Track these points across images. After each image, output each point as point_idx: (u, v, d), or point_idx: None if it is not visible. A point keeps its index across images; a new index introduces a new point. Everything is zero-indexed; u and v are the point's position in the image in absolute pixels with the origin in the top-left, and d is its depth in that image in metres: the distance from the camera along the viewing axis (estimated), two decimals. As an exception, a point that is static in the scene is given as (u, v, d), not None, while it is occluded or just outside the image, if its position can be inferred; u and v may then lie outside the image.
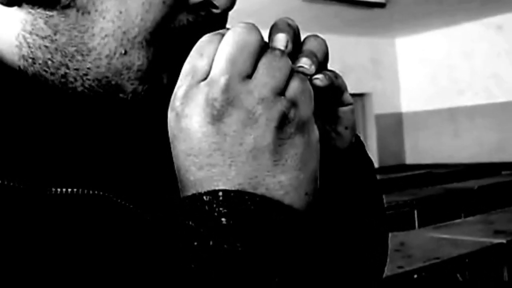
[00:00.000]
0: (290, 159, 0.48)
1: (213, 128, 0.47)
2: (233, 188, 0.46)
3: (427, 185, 6.84)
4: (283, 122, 0.47)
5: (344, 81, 0.59)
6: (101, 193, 0.53)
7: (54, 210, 0.49)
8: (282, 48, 0.52)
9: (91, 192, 0.52)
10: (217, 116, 0.47)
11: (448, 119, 10.01)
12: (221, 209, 0.46)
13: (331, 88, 0.55)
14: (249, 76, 0.48)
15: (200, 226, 0.46)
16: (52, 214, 0.49)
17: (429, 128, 10.35)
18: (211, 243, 0.45)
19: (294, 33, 0.54)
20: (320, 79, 0.54)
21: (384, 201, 0.73)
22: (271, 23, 0.55)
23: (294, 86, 0.49)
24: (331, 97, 0.58)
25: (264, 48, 0.50)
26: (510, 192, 6.08)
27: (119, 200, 0.54)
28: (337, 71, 0.58)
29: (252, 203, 0.46)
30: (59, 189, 0.51)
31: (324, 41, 0.57)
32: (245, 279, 0.44)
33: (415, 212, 5.47)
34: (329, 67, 0.58)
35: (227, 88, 0.47)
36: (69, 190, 0.51)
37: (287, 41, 0.53)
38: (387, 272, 2.37)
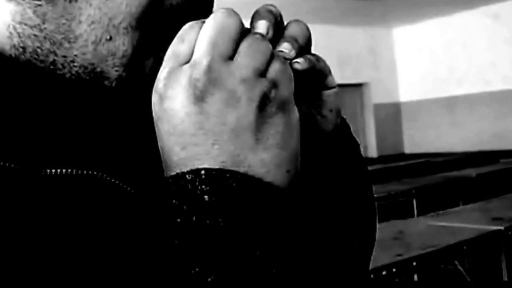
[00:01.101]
0: (271, 137, 0.49)
1: (196, 108, 0.48)
2: (216, 167, 0.48)
3: (426, 174, 6.86)
4: (264, 101, 0.48)
5: (327, 64, 0.60)
6: (93, 172, 0.54)
7: (48, 190, 0.50)
8: (264, 31, 0.54)
9: (84, 172, 0.53)
10: (200, 96, 0.48)
11: (446, 108, 10.01)
12: (203, 187, 0.47)
13: (313, 71, 0.57)
14: (231, 58, 0.50)
15: (183, 203, 0.47)
16: (46, 194, 0.50)
17: (427, 117, 10.36)
18: (194, 219, 0.46)
19: (276, 20, 0.55)
20: (300, 63, 0.55)
21: (371, 179, 0.74)
22: None
23: (275, 67, 0.50)
24: (314, 81, 0.59)
25: (245, 32, 0.52)
26: (508, 179, 6.10)
27: (110, 179, 0.56)
28: (321, 56, 0.59)
29: (234, 180, 0.47)
30: (53, 170, 0.52)
31: (306, 25, 0.58)
32: (227, 253, 0.45)
33: (414, 201, 5.48)
34: (327, 58, 0.60)
35: (209, 69, 0.48)
36: (63, 170, 0.52)
37: (268, 27, 0.54)
38: (386, 260, 2.39)
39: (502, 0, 8.78)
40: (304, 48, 0.57)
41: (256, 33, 0.53)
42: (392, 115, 10.75)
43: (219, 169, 0.47)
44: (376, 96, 10.52)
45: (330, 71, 0.60)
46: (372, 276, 2.49)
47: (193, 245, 0.46)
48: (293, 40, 0.56)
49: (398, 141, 10.82)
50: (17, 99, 0.55)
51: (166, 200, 0.48)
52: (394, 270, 2.58)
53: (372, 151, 10.48)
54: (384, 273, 2.53)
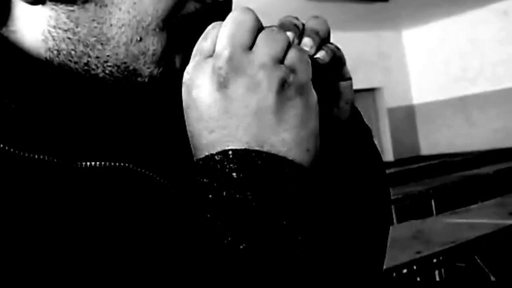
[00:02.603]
0: (291, 118, 0.53)
1: (220, 94, 0.52)
2: (241, 147, 0.52)
3: (443, 174, 6.82)
4: (282, 86, 0.52)
5: (344, 55, 0.64)
6: (126, 164, 0.58)
7: (82, 183, 0.54)
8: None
9: (117, 164, 0.57)
10: (223, 83, 0.52)
11: (460, 108, 9.95)
12: (231, 165, 0.51)
13: (333, 61, 0.61)
14: (250, 48, 0.54)
15: (213, 181, 0.51)
16: (80, 186, 0.53)
17: (442, 118, 10.29)
18: (224, 194, 0.51)
19: (300, 31, 0.60)
20: (321, 57, 0.60)
21: (384, 164, 0.77)
22: (275, 23, 0.61)
23: (292, 55, 0.54)
24: (332, 71, 0.63)
25: (261, 27, 0.56)
26: (525, 175, 6.05)
27: (143, 171, 0.59)
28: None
29: (259, 158, 0.52)
30: (87, 163, 0.55)
31: (325, 20, 0.62)
32: (256, 223, 0.50)
33: (432, 201, 5.45)
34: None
35: (230, 58, 0.52)
36: (97, 163, 0.56)
37: (294, 39, 0.59)
38: (405, 258, 2.40)
39: (511, -3, 8.73)
40: (325, 40, 0.61)
41: (273, 26, 0.57)
42: (406, 118, 10.68)
43: (245, 149, 0.52)
44: (389, 100, 10.46)
45: (345, 62, 0.65)
46: (393, 274, 2.51)
47: (225, 217, 0.50)
48: (314, 34, 0.60)
49: (414, 144, 10.75)
50: (53, 97, 0.59)
51: (197, 179, 0.53)
52: (414, 267, 2.60)
53: (388, 155, 10.41)
54: (405, 271, 2.54)
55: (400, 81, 10.59)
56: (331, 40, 0.63)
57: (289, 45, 0.55)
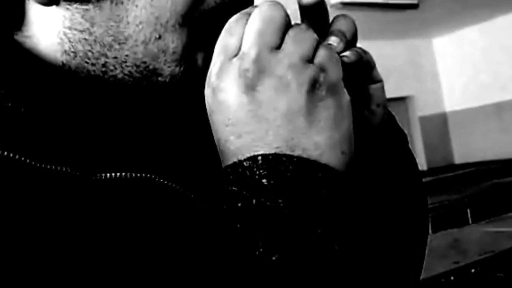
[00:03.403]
0: (323, 120, 0.51)
1: (247, 97, 0.50)
2: (271, 152, 0.49)
3: (478, 182, 6.73)
4: (313, 85, 0.50)
5: (372, 57, 0.62)
6: (146, 175, 0.56)
7: (102, 195, 0.52)
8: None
9: (138, 175, 0.55)
10: (250, 85, 0.50)
11: (494, 115, 9.82)
12: (261, 171, 0.49)
13: (360, 63, 0.58)
14: (278, 47, 0.52)
15: (242, 189, 0.49)
16: (100, 199, 0.51)
17: (475, 125, 10.17)
18: (254, 202, 0.48)
19: (323, 8, 0.58)
20: (347, 56, 0.57)
21: (419, 171, 0.75)
22: None
23: (321, 54, 0.52)
24: (361, 74, 0.61)
25: (290, 23, 0.54)
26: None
27: (166, 182, 0.57)
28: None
29: (290, 163, 0.49)
30: (107, 174, 0.54)
31: (352, 20, 0.60)
32: (288, 232, 0.47)
33: (468, 210, 5.38)
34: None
35: (257, 59, 0.50)
36: (116, 174, 0.54)
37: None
38: (442, 268, 2.35)
39: (542, 1, 8.62)
40: (351, 42, 0.59)
41: (301, 23, 0.55)
42: (439, 126, 10.58)
43: (275, 154, 0.49)
44: (421, 108, 10.38)
45: (375, 64, 0.62)
46: (431, 285, 2.46)
47: (255, 227, 0.47)
48: (341, 34, 0.58)
49: (447, 152, 10.64)
50: (70, 105, 0.57)
51: (225, 188, 0.50)
52: (452, 278, 2.55)
53: (421, 164, 10.27)
54: (442, 280, 2.49)
55: (431, 89, 10.51)
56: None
57: (318, 44, 0.53)
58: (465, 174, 7.71)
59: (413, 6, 7.11)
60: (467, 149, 10.40)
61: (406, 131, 0.73)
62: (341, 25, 0.59)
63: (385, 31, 8.89)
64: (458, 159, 10.58)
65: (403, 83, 10.03)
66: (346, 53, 0.57)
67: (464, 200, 5.35)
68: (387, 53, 9.69)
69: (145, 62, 0.58)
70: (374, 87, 0.63)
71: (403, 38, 9.90)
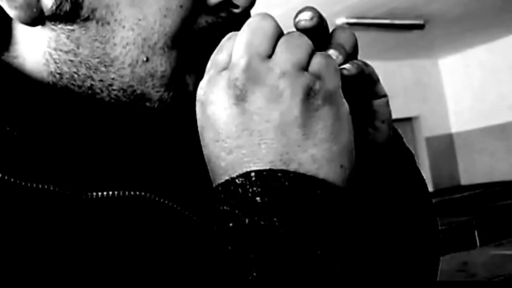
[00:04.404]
0: (320, 131, 0.47)
1: (238, 108, 0.47)
2: (265, 167, 0.46)
3: (485, 204, 6.70)
4: (308, 94, 0.46)
5: (375, 71, 0.58)
6: (137, 193, 0.53)
7: (93, 215, 0.49)
8: (308, 18, 0.52)
9: (130, 193, 0.53)
10: (240, 96, 0.47)
11: (501, 136, 9.81)
12: (254, 189, 0.45)
13: (362, 77, 0.55)
14: (269, 56, 0.48)
15: (235, 208, 0.45)
16: (91, 218, 0.49)
17: (481, 146, 10.16)
18: (246, 221, 0.44)
19: (320, 15, 0.54)
20: (347, 69, 0.53)
21: (428, 190, 0.73)
22: None
23: (317, 61, 0.49)
24: (364, 88, 0.57)
25: (282, 33, 0.51)
26: None
27: (159, 199, 0.54)
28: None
29: (286, 179, 0.45)
30: (98, 193, 0.51)
31: (351, 32, 0.57)
32: (285, 254, 0.43)
33: (476, 232, 5.35)
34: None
35: (247, 68, 0.47)
36: (106, 193, 0.51)
37: (312, 15, 0.53)
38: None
39: (549, 22, 8.63)
40: (351, 55, 0.56)
41: (293, 31, 0.52)
42: (445, 147, 10.58)
43: (270, 169, 0.45)
44: (427, 128, 10.39)
45: (378, 79, 0.58)
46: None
47: (248, 248, 0.43)
48: (340, 47, 0.54)
49: (453, 173, 10.62)
50: (58, 125, 0.55)
51: (216, 207, 0.46)
52: (461, 302, 2.50)
53: (427, 185, 10.23)
54: (451, 306, 2.45)
55: (437, 110, 10.52)
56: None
57: (312, 51, 0.50)
58: (472, 196, 7.68)
59: (419, 27, 7.12)
60: (473, 170, 10.38)
61: (412, 152, 0.69)
62: (340, 37, 0.56)
63: (391, 51, 8.90)
64: (464, 180, 10.55)
65: (409, 104, 10.04)
66: (346, 65, 0.54)
67: (472, 222, 5.32)
68: (393, 74, 9.71)
69: (132, 86, 0.55)
70: (378, 102, 0.59)
71: (409, 59, 9.92)
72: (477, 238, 5.27)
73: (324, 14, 0.56)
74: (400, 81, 9.87)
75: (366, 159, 0.59)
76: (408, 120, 10.25)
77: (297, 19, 0.53)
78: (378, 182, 0.63)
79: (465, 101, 10.30)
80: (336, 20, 6.15)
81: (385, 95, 0.60)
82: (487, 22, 7.79)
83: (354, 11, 6.12)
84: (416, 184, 0.69)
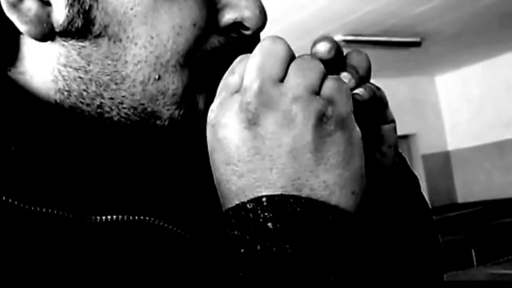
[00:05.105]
0: (332, 157, 0.46)
1: (249, 132, 0.46)
2: (276, 192, 0.45)
3: (482, 222, 6.71)
4: (320, 119, 0.46)
5: (385, 95, 0.58)
6: (142, 218, 0.52)
7: (97, 239, 0.49)
8: (325, 52, 0.52)
9: (135, 217, 0.52)
10: (252, 120, 0.46)
11: (497, 154, 9.83)
12: (266, 214, 0.44)
13: (373, 101, 0.54)
14: (281, 80, 0.48)
15: (246, 233, 0.44)
16: (93, 241, 0.48)
17: (478, 164, 10.17)
18: (258, 247, 0.43)
19: (337, 45, 0.54)
20: (360, 94, 0.53)
21: (432, 214, 0.72)
22: None
23: (329, 85, 0.48)
24: (374, 112, 0.57)
25: (293, 56, 0.50)
26: None
27: (164, 224, 0.54)
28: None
29: (298, 205, 0.44)
30: (102, 217, 0.50)
31: (366, 56, 0.57)
32: (297, 281, 0.42)
33: (472, 250, 5.35)
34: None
35: (260, 92, 0.46)
36: (112, 217, 0.51)
37: (330, 47, 0.53)
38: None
39: (545, 40, 8.67)
40: (364, 78, 0.55)
41: (304, 54, 0.51)
42: (441, 164, 10.60)
43: (281, 194, 0.45)
44: (424, 146, 10.42)
45: (388, 103, 0.58)
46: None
47: (260, 275, 0.43)
48: (353, 70, 0.54)
49: (450, 191, 10.63)
50: (64, 146, 0.54)
51: (227, 232, 0.46)
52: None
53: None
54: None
55: (434, 127, 10.56)
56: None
57: (325, 75, 0.49)
58: (469, 214, 7.69)
59: (416, 44, 7.15)
60: (470, 188, 10.39)
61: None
62: (354, 60, 0.56)
63: (388, 68, 8.94)
64: (461, 198, 10.55)
65: (406, 121, 10.06)
66: (359, 90, 0.54)
67: (469, 240, 5.33)
68: (390, 91, 9.69)
69: (143, 104, 0.54)
70: (386, 127, 0.60)
71: (406, 76, 9.96)
72: (474, 258, 5.27)
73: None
74: (397, 99, 9.89)
75: (373, 185, 0.58)
76: (405, 137, 10.27)
77: (314, 50, 0.53)
78: (385, 206, 0.63)
79: (462, 119, 10.34)
80: (333, 37, 6.17)
81: (393, 120, 0.60)
82: (483, 39, 7.83)
83: (351, 28, 6.14)
84: (420, 208, 0.68)
